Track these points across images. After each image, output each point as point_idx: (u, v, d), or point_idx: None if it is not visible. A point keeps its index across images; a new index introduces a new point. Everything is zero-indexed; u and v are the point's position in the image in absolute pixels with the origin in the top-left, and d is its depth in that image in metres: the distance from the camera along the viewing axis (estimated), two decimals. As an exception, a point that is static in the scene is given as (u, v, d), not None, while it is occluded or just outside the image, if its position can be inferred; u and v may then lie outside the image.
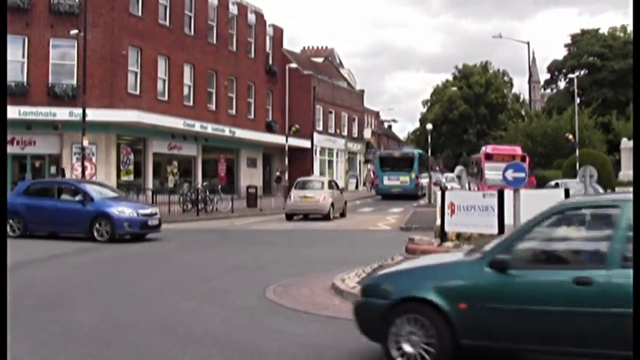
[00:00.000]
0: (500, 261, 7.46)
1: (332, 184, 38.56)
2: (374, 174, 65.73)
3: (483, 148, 47.12)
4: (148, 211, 25.40)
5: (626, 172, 46.60)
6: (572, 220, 8.04)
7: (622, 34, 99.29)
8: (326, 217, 35.35)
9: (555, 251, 7.88)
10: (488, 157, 43.42)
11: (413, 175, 55.45)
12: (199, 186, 41.91)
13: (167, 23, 46.29)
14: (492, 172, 38.12)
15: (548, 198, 13.20)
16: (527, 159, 42.91)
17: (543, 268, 7.65)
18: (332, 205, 35.48)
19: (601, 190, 30.02)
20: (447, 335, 7.52)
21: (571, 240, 7.94)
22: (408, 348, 7.69)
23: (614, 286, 6.97)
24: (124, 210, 24.25)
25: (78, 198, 24.69)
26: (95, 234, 23.67)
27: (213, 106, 51.94)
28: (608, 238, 7.31)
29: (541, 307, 7.24)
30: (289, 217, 36.18)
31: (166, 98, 45.85)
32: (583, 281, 7.04)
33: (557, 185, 31.32)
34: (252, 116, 58.29)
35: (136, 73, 42.96)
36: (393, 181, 55.37)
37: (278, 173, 58.92)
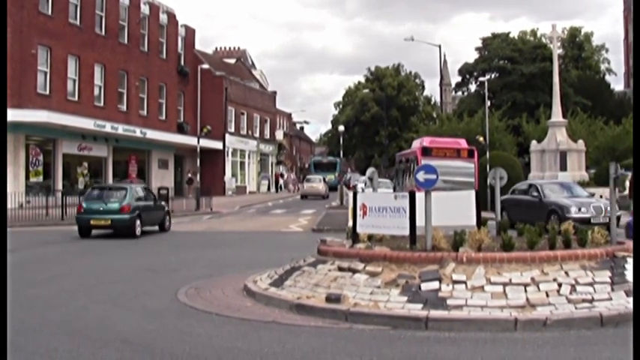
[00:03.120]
0: None
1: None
2: (281, 176, 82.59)
3: (418, 142, 39.32)
4: None
5: (536, 174, 47.40)
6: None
7: (532, 39, 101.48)
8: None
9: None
10: (426, 152, 35.42)
11: (336, 174, 75.01)
12: (110, 187, 41.34)
13: (77, 22, 45.67)
14: None
15: (459, 200, 13.39)
16: (476, 153, 37.21)
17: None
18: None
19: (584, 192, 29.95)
20: None
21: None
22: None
23: None
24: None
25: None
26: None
27: (124, 107, 51.44)
28: None
29: None
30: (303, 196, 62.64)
31: (76, 98, 45.23)
32: None
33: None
34: (164, 117, 57.88)
35: (45, 73, 42.29)
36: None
37: (190, 175, 58.58)
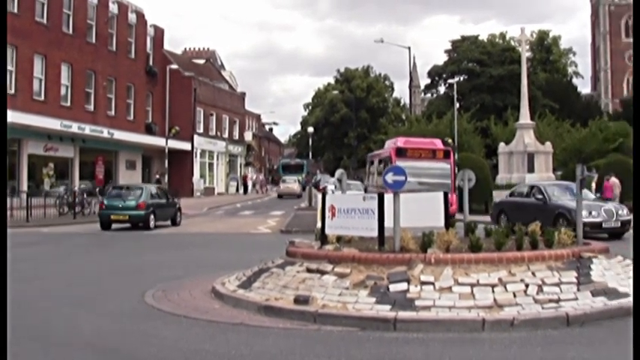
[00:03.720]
0: None
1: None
2: (250, 178, 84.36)
3: (392, 142, 38.02)
4: None
5: (504, 176, 47.73)
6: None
7: (501, 41, 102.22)
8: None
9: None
10: (401, 152, 34.02)
11: (303, 175, 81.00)
12: (76, 188, 41.08)
13: (44, 21, 45.32)
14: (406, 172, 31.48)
15: (428, 201, 13.41)
16: (452, 154, 36.05)
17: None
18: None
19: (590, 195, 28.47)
20: None
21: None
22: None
23: None
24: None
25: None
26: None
27: (91, 107, 51.10)
28: None
29: None
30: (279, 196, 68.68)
31: (42, 98, 44.87)
32: None
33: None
34: (132, 117, 57.57)
35: (10, 72, 41.82)
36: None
37: (157, 176, 58.34)
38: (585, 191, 27.16)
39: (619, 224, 24.43)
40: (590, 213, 23.95)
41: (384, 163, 34.01)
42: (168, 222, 34.18)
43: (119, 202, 31.74)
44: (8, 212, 34.40)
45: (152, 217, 31.93)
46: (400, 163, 31.38)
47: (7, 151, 42.27)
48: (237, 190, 77.97)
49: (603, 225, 24.00)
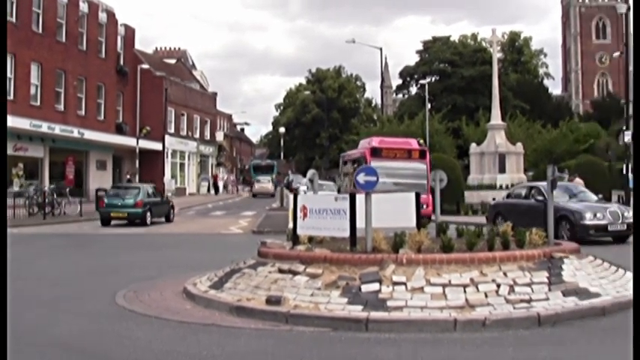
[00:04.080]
0: None
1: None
2: (221, 178, 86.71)
3: (366, 142, 37.55)
4: None
5: (475, 176, 47.91)
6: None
7: (472, 42, 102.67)
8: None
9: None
10: (376, 152, 33.57)
11: (273, 176, 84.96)
12: (46, 189, 40.75)
13: (13, 19, 44.90)
14: (381, 172, 29.96)
15: (400, 201, 13.41)
16: (428, 154, 35.72)
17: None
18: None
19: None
20: None
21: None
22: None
23: None
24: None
25: None
26: None
27: (61, 107, 50.74)
28: None
29: None
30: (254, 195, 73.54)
31: (12, 97, 44.42)
32: None
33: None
34: (102, 117, 57.21)
35: (-21, 71, 41.45)
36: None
37: (128, 176, 58.02)
38: (588, 193, 26.55)
39: (625, 227, 22.66)
40: (594, 215, 22.73)
41: (359, 164, 32.49)
42: (163, 219, 37.01)
43: (118, 201, 34.40)
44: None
45: (149, 214, 34.66)
46: (375, 163, 30.45)
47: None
48: (209, 190, 77.84)
49: (609, 228, 22.50)
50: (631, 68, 42.16)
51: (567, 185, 27.70)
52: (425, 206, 23.39)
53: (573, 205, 23.67)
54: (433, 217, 17.98)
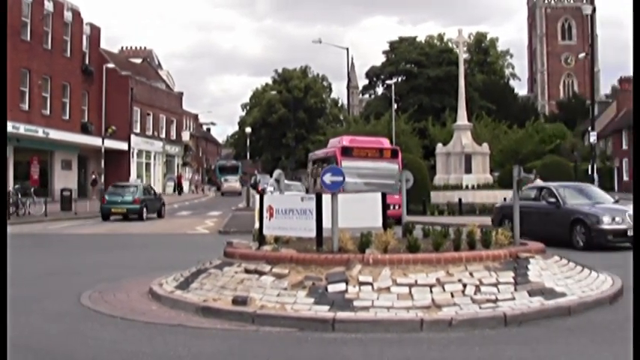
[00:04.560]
0: None
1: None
2: (188, 178, 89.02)
3: (336, 140, 36.99)
4: None
5: (441, 177, 48.06)
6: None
7: (438, 43, 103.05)
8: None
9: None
10: (346, 151, 33.23)
11: (239, 176, 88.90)
12: (10, 189, 40.41)
13: (-23, 18, 44.45)
14: (352, 172, 28.98)
15: (366, 202, 13.42)
16: (400, 154, 35.21)
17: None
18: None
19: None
20: None
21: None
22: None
23: None
24: None
25: None
26: None
27: (26, 106, 50.30)
28: None
29: None
30: (222, 194, 78.01)
31: (-25, 97, 43.99)
32: None
33: None
34: (68, 117, 56.76)
35: (-59, 70, 40.99)
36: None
37: (94, 176, 57.71)
38: (603, 194, 24.29)
39: None
40: (613, 219, 20.63)
41: (329, 163, 31.40)
42: (155, 215, 40.76)
43: (118, 198, 38.58)
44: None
45: (145, 210, 38.77)
46: (346, 163, 31.60)
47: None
48: (175, 190, 77.53)
49: (628, 233, 20.15)
50: (632, 70, 42.58)
51: (581, 186, 26.04)
52: (397, 207, 23.09)
53: (589, 207, 21.65)
54: (410, 219, 17.97)
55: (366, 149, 33.87)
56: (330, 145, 37.40)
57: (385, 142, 36.40)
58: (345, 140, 35.27)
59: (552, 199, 22.56)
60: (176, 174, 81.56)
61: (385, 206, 13.04)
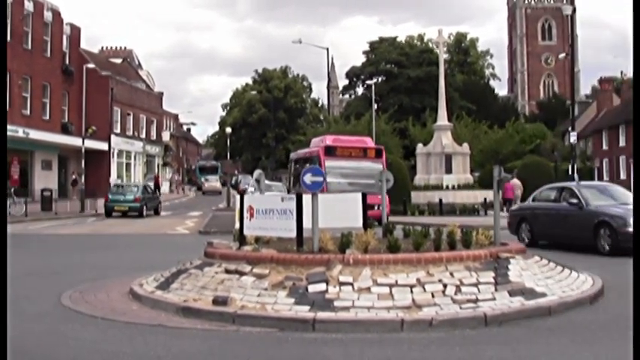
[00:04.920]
0: None
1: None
2: (168, 179, 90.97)
3: (319, 140, 36.39)
4: None
5: (422, 177, 48.12)
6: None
7: (418, 43, 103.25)
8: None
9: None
10: (330, 151, 32.53)
11: (218, 176, 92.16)
12: (-10, 189, 40.23)
13: (-44, 18, 44.21)
14: (336, 172, 30.40)
15: (347, 202, 13.43)
16: (384, 153, 34.70)
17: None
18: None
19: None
20: None
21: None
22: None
23: None
24: None
25: None
26: None
27: (6, 106, 50.00)
28: None
29: None
30: (204, 193, 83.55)
31: (-46, 96, 43.75)
32: None
33: None
34: (48, 117, 56.58)
35: None
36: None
37: (74, 176, 57.46)
38: (628, 194, 22.03)
39: None
40: None
41: (311, 163, 30.21)
42: (152, 212, 44.26)
43: (120, 197, 42.11)
44: None
45: (145, 207, 42.32)
46: (329, 162, 31.35)
47: None
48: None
49: None
50: (631, 72, 42.54)
51: (604, 185, 24.73)
52: (379, 207, 22.93)
53: (615, 209, 19.75)
54: (392, 219, 17.96)
55: (350, 149, 33.30)
56: (312, 145, 36.64)
57: (369, 142, 35.99)
58: (329, 140, 34.75)
59: (574, 200, 20.75)
60: (157, 174, 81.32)
61: (365, 206, 13.05)
